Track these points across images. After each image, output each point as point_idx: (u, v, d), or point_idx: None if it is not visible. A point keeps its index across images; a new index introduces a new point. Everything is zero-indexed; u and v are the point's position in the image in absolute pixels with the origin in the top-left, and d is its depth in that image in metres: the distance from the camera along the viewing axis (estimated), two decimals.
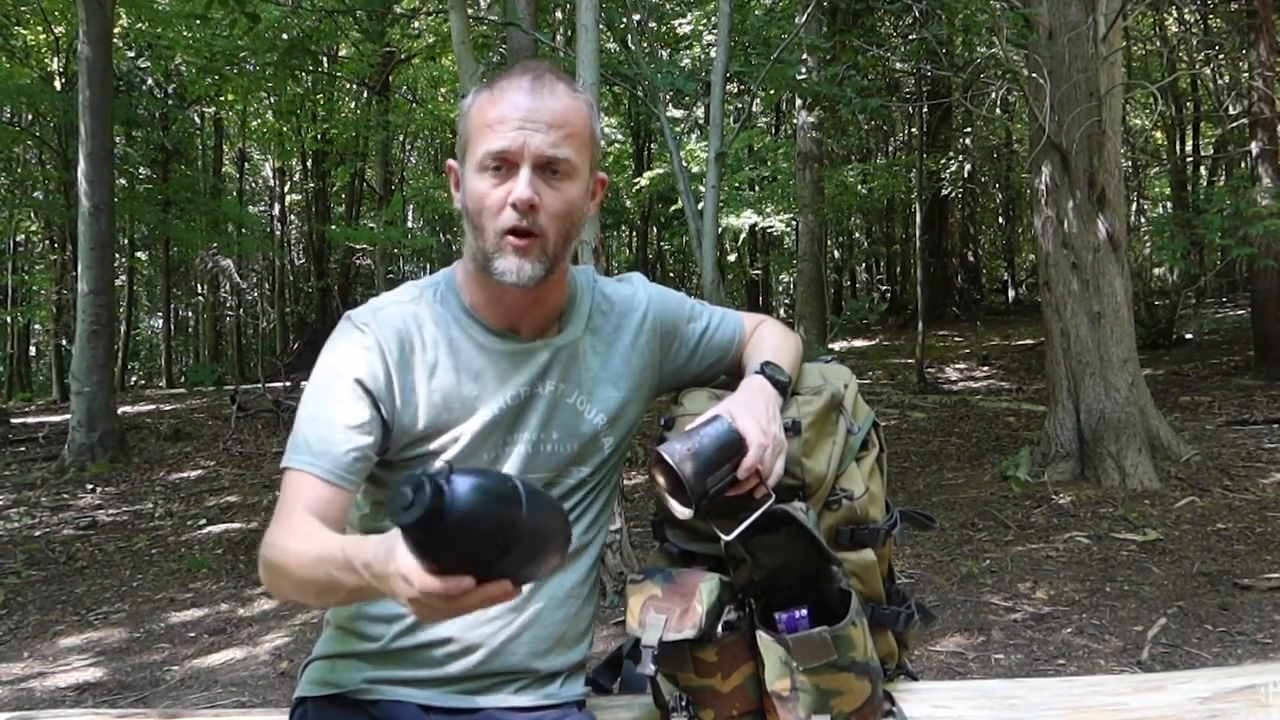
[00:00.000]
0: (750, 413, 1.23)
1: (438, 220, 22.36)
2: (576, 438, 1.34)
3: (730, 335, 1.48)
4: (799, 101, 11.27)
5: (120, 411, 9.49)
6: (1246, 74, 10.47)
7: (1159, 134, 18.23)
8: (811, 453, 1.28)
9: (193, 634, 4.32)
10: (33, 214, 18.72)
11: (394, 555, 0.90)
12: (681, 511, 1.18)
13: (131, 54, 15.11)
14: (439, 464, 0.86)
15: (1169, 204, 17.76)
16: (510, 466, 1.30)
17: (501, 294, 1.28)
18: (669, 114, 7.68)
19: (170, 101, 17.70)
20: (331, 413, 1.23)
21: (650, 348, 1.41)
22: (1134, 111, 16.80)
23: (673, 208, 16.13)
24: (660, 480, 1.21)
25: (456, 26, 5.06)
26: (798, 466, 1.26)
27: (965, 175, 16.55)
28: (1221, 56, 12.90)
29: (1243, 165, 11.75)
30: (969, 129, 16.84)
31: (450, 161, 1.35)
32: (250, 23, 7.24)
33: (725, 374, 1.49)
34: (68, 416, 9.03)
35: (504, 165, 1.22)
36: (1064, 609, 3.95)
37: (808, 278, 12.61)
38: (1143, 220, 16.95)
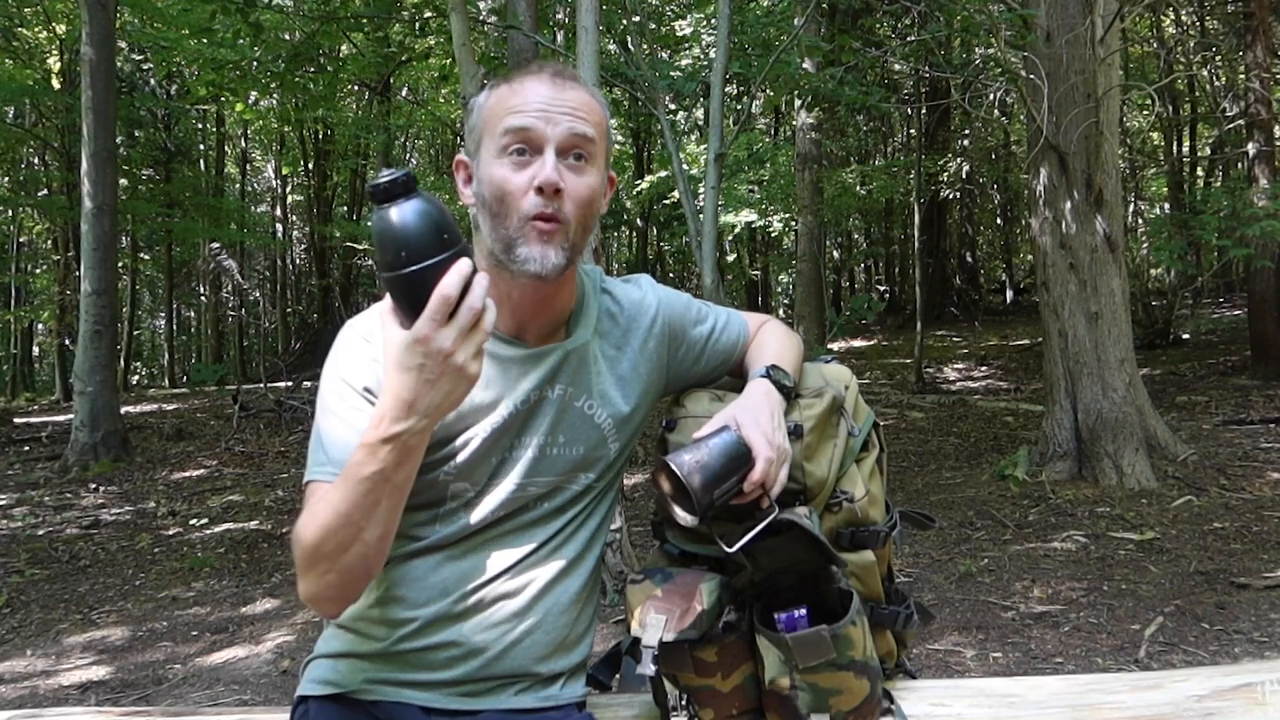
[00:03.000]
0: (756, 422, 1.22)
1: None
2: (584, 441, 1.34)
3: (735, 337, 1.48)
4: (798, 103, 11.29)
5: (123, 411, 9.51)
6: (1243, 75, 10.51)
7: (1156, 135, 18.23)
8: (813, 456, 1.28)
9: (195, 632, 4.34)
10: (36, 214, 18.73)
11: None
12: (686, 519, 1.19)
13: (138, 56, 15.13)
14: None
15: (1166, 205, 17.76)
16: (518, 469, 1.30)
17: (511, 290, 1.27)
18: (669, 115, 7.70)
19: (173, 101, 17.73)
20: (345, 421, 1.24)
21: (658, 352, 1.41)
22: (1131, 113, 16.82)
23: (673, 208, 16.12)
24: (665, 486, 1.22)
25: (457, 28, 5.07)
26: (799, 470, 1.26)
27: (963, 176, 16.57)
28: (1218, 58, 12.93)
29: (1239, 166, 11.77)
30: (967, 130, 16.83)
31: (459, 157, 1.34)
32: (254, 32, 7.25)
33: (728, 375, 1.50)
34: (71, 416, 9.06)
35: (527, 149, 1.23)
36: (1061, 608, 3.97)
37: (807, 278, 12.62)
38: (1140, 221, 16.96)
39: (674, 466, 1.16)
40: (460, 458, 1.28)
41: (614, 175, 1.38)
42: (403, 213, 1.00)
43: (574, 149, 1.24)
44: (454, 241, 1.02)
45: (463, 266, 1.01)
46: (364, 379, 1.26)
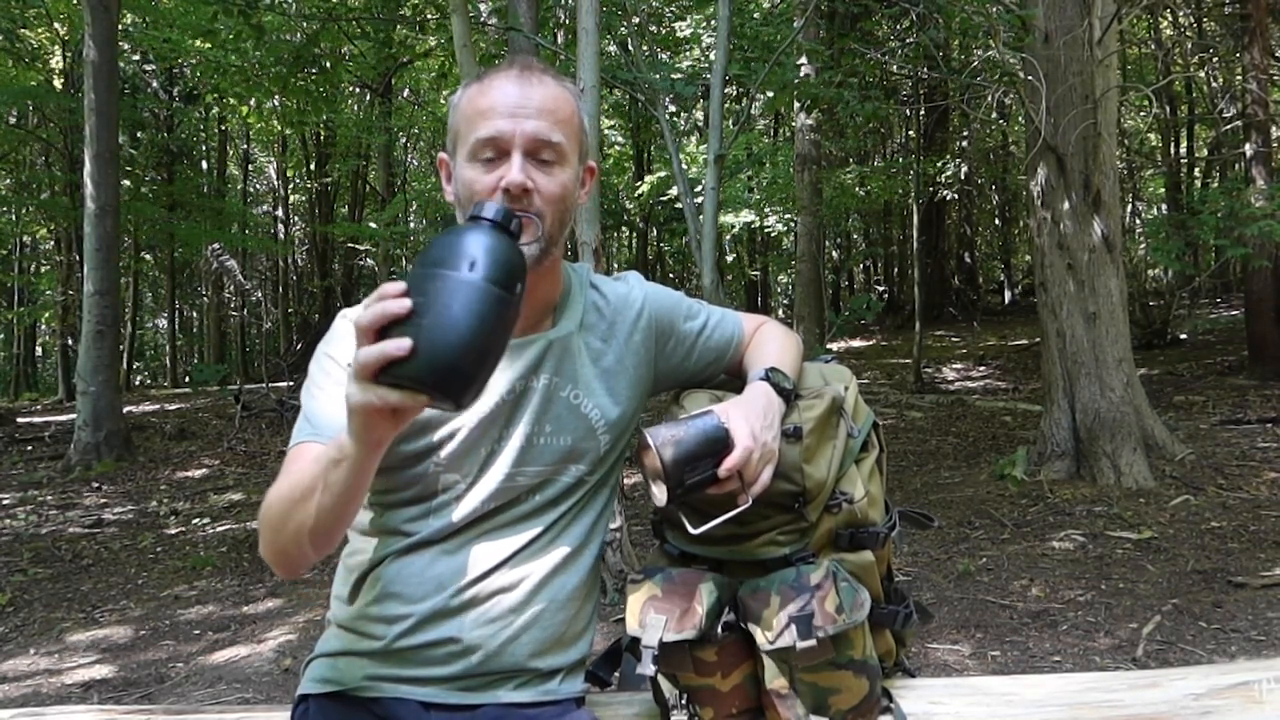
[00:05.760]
0: (745, 415, 1.21)
1: (440, 221, 22.39)
2: (571, 431, 1.34)
3: (729, 336, 1.48)
4: (797, 104, 11.30)
5: (125, 411, 9.53)
6: (1240, 76, 10.53)
7: (1154, 136, 18.27)
8: (812, 458, 1.27)
9: (198, 631, 4.36)
10: (39, 215, 18.75)
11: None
12: (659, 498, 1.19)
13: (137, 57, 15.14)
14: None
15: (1164, 205, 17.78)
16: (506, 459, 1.31)
17: None
18: (668, 116, 7.72)
19: (176, 103, 17.74)
20: (330, 392, 1.25)
21: (645, 346, 1.42)
22: (1129, 114, 16.84)
23: (674, 206, 16.15)
24: (646, 464, 1.21)
25: (458, 29, 5.09)
26: (798, 472, 1.25)
27: (962, 177, 16.56)
28: (1216, 59, 12.95)
29: (1237, 167, 11.80)
30: (966, 131, 16.86)
31: (441, 155, 1.36)
32: (256, 34, 7.29)
33: (724, 374, 1.49)
34: (74, 416, 9.08)
35: (495, 153, 1.25)
36: (1060, 606, 3.99)
37: (806, 279, 12.62)
38: (1138, 221, 16.97)
39: (648, 436, 1.16)
40: (448, 449, 1.29)
41: (593, 165, 1.39)
42: (498, 238, 0.98)
43: (540, 151, 1.26)
44: (514, 289, 0.97)
45: (389, 289, 0.96)
46: (349, 355, 1.25)
